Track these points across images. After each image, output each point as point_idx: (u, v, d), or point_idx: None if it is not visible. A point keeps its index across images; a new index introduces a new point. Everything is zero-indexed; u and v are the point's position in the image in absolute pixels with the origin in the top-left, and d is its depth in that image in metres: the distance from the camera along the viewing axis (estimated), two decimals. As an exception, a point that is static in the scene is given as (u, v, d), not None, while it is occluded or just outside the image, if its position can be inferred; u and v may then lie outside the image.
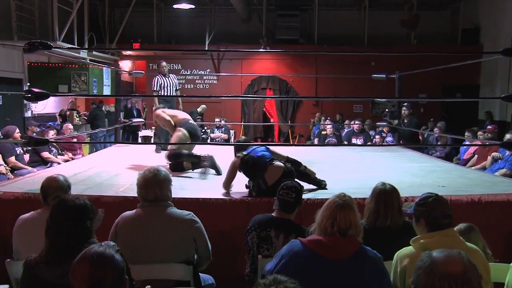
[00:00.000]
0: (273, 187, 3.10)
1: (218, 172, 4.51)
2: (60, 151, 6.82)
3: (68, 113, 10.52)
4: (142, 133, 11.18)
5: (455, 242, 2.03)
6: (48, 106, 10.30)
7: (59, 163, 6.33)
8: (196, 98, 11.41)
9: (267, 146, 3.86)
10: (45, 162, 6.41)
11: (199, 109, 10.17)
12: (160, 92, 6.43)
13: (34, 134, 7.08)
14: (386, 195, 2.56)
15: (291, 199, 2.72)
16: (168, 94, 6.47)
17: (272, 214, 2.76)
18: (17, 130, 6.20)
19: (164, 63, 6.67)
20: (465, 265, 1.38)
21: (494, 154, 6.07)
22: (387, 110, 7.66)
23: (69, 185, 2.74)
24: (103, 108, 10.77)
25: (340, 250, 1.92)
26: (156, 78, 6.53)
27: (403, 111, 7.67)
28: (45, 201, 2.64)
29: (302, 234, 2.36)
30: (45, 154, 6.42)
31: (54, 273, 1.90)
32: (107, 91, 11.16)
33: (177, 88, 6.68)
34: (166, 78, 6.51)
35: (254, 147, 3.83)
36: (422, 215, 2.17)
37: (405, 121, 7.69)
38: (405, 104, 7.70)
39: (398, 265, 2.09)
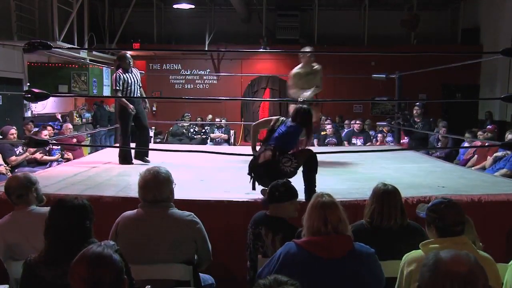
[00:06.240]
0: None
1: None
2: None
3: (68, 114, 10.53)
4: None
5: (466, 250, 1.99)
6: (48, 106, 10.29)
7: (57, 160, 6.34)
8: (195, 99, 11.42)
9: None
10: (44, 163, 6.40)
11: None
12: (124, 92, 5.36)
13: (31, 132, 7.07)
14: (389, 195, 2.54)
15: (277, 192, 2.71)
16: (133, 94, 5.42)
17: (267, 212, 2.77)
18: (11, 131, 6.09)
19: (128, 55, 5.55)
20: (471, 265, 1.32)
21: (496, 154, 5.98)
22: (400, 112, 7.41)
23: (31, 181, 2.69)
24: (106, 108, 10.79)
25: (335, 249, 1.93)
26: (117, 75, 5.38)
27: (414, 111, 7.28)
28: (11, 201, 2.66)
29: (291, 234, 2.36)
30: (37, 156, 6.34)
31: (54, 273, 1.91)
32: (107, 91, 11.13)
33: (141, 85, 5.65)
34: (129, 74, 5.42)
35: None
36: (433, 222, 2.12)
37: (417, 120, 7.18)
38: (417, 103, 7.38)
39: (405, 268, 2.06)
